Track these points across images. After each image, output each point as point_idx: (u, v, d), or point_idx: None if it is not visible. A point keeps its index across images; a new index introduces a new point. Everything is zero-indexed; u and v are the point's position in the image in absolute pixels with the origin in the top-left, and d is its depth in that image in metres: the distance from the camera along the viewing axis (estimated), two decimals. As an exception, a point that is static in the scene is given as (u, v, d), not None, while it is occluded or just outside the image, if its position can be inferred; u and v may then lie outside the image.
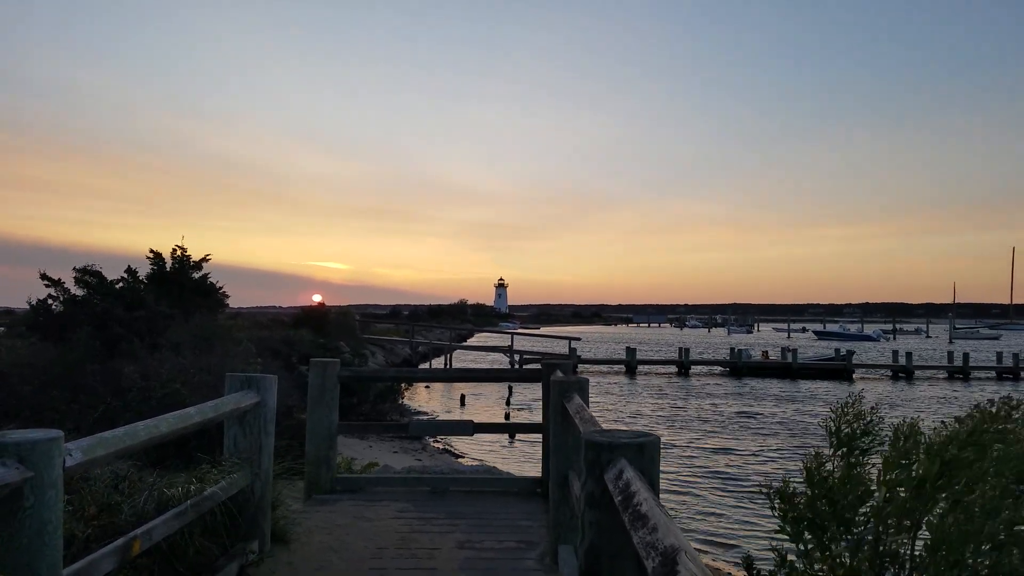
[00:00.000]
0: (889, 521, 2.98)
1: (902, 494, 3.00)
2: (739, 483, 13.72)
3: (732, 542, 10.14)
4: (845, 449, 3.32)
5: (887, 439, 3.30)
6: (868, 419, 3.38)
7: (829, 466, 3.31)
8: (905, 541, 2.97)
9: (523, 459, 15.63)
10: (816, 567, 3.08)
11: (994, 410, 3.22)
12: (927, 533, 2.96)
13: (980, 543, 2.68)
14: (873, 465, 3.22)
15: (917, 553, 2.93)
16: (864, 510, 3.07)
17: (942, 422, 3.26)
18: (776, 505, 3.28)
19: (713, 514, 11.63)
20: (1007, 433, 2.99)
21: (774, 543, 3.27)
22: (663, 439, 2.75)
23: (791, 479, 3.53)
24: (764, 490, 3.41)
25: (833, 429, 3.41)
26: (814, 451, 3.45)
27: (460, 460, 15.31)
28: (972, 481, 2.83)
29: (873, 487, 3.13)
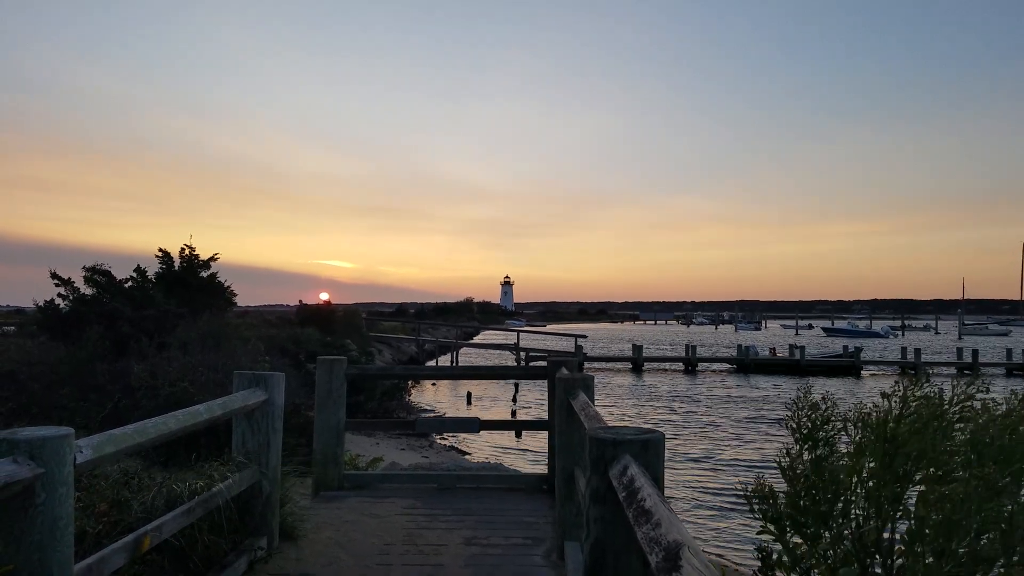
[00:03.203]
0: (858, 511, 3.01)
1: (870, 482, 3.02)
2: (744, 481, 13.68)
3: (735, 539, 10.13)
4: (811, 442, 3.33)
5: (849, 427, 3.31)
6: (823, 408, 3.39)
7: (799, 461, 3.32)
8: (876, 528, 2.99)
9: (529, 456, 15.65)
10: (803, 563, 3.09)
11: (913, 383, 3.25)
12: (905, 520, 3.00)
13: (964, 533, 2.71)
14: (845, 453, 3.23)
15: (895, 541, 2.97)
16: (839, 503, 3.09)
17: (882, 395, 3.27)
18: (755, 506, 3.29)
19: (717, 511, 11.62)
20: (938, 408, 3.02)
21: (761, 543, 3.28)
22: (668, 437, 2.76)
23: (769, 478, 3.55)
24: (743, 491, 3.42)
25: (795, 425, 3.42)
26: (784, 447, 3.46)
27: (467, 457, 15.33)
28: (922, 458, 2.87)
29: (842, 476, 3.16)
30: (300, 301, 34.50)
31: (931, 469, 2.94)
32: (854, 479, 3.04)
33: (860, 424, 3.16)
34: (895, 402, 3.12)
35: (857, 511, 3.06)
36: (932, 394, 3.14)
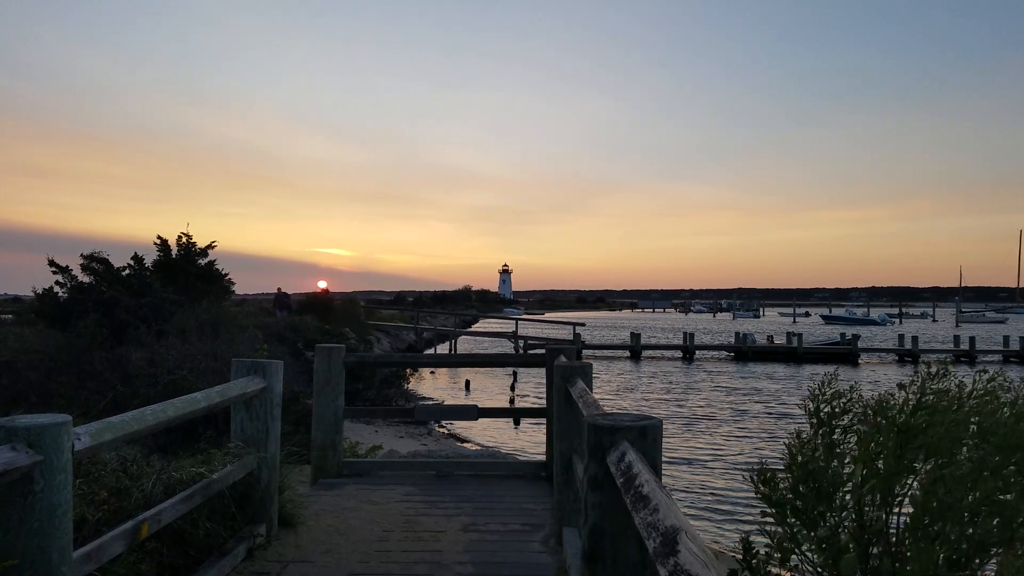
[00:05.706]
0: (867, 497, 3.03)
1: (879, 469, 3.04)
2: (739, 468, 13.75)
3: (732, 525, 10.18)
4: (825, 429, 3.34)
5: (865, 417, 3.31)
6: (847, 398, 3.40)
7: (810, 447, 3.33)
8: (882, 516, 3.01)
9: (527, 443, 15.70)
10: (804, 547, 3.10)
11: (934, 370, 3.28)
12: (909, 507, 3.03)
13: (959, 515, 2.74)
14: (853, 444, 3.24)
15: (896, 529, 2.99)
16: (845, 489, 3.11)
17: (898, 385, 3.29)
18: (760, 490, 3.30)
19: (714, 498, 11.68)
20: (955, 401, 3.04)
21: (765, 527, 3.29)
22: (666, 424, 2.77)
23: (772, 462, 3.56)
24: (746, 475, 3.43)
25: (812, 409, 3.43)
26: (795, 432, 3.47)
27: (465, 444, 15.39)
28: (932, 448, 2.89)
29: (849, 466, 3.18)
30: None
31: (938, 459, 2.94)
32: (861, 468, 3.04)
33: (877, 414, 3.15)
34: (912, 392, 3.11)
35: (862, 498, 3.07)
36: (950, 387, 3.13)
